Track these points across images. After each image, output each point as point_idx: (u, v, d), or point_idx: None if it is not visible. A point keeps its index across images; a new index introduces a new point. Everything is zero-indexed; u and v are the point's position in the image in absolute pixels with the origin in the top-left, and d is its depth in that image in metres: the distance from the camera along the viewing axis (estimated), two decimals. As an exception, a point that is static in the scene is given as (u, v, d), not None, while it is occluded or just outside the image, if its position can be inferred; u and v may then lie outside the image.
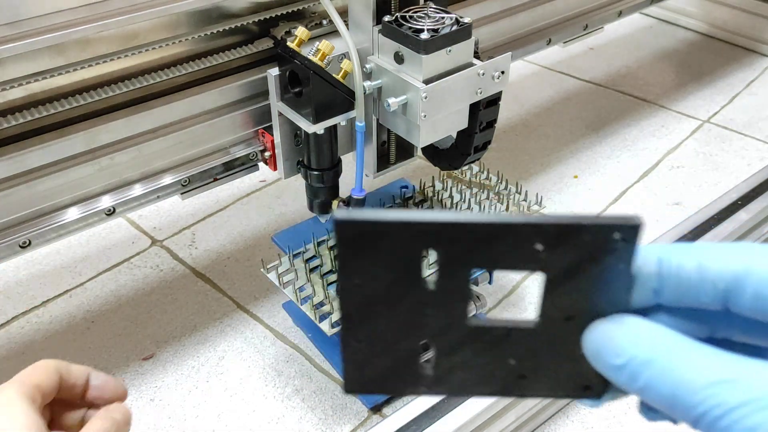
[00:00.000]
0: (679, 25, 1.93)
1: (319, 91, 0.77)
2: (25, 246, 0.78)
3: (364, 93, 0.78)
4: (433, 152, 0.92)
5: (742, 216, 1.13)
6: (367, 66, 0.80)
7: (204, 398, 1.00)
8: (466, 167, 1.03)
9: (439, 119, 0.78)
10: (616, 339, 0.28)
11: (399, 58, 0.76)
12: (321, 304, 0.87)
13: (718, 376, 0.25)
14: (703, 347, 0.26)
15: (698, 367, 0.26)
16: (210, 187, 0.90)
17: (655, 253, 0.28)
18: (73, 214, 0.80)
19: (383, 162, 0.92)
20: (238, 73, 0.87)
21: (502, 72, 0.79)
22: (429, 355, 0.29)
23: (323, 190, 0.89)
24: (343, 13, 0.81)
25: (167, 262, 1.22)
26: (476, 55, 0.79)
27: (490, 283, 1.02)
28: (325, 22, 0.88)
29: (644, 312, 0.29)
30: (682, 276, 0.28)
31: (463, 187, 1.04)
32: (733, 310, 0.27)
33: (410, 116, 0.77)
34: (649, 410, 0.30)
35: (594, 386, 0.30)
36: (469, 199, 1.02)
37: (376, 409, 0.98)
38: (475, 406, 0.85)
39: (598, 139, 1.51)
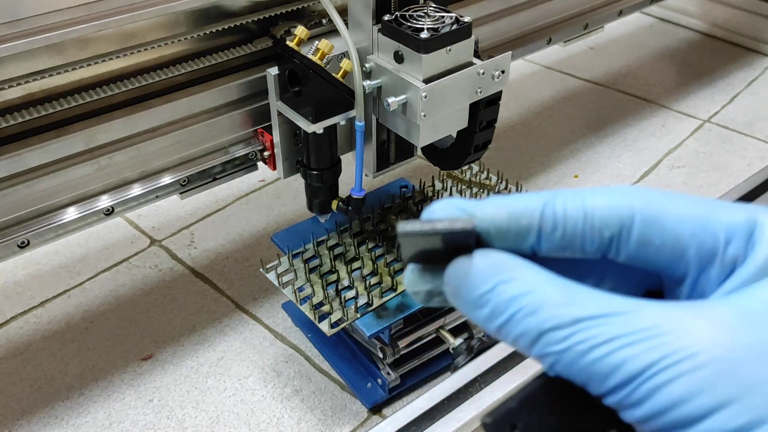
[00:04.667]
0: (679, 25, 1.93)
1: (318, 90, 0.77)
2: (23, 246, 0.77)
3: (364, 92, 0.78)
4: (433, 152, 0.91)
5: (743, 216, 1.12)
6: (367, 65, 0.80)
7: (203, 398, 0.99)
8: (466, 167, 1.03)
9: (438, 119, 0.78)
10: (477, 268, 0.25)
11: (399, 58, 0.76)
12: (320, 304, 0.87)
13: (599, 309, 0.23)
14: (578, 284, 0.24)
15: (574, 298, 0.23)
16: (209, 186, 0.90)
17: (538, 200, 0.25)
18: (71, 213, 0.80)
19: (383, 161, 0.91)
20: (238, 73, 0.87)
21: (502, 71, 0.79)
22: None
23: (323, 190, 0.89)
24: (343, 12, 0.81)
25: (166, 262, 1.21)
26: (476, 55, 0.79)
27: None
28: (324, 21, 0.88)
29: None
30: (568, 224, 0.25)
31: (463, 186, 1.04)
32: (611, 257, 0.25)
33: (410, 116, 0.77)
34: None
35: None
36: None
37: (375, 409, 0.98)
38: (475, 406, 0.84)
39: (598, 139, 1.51)
